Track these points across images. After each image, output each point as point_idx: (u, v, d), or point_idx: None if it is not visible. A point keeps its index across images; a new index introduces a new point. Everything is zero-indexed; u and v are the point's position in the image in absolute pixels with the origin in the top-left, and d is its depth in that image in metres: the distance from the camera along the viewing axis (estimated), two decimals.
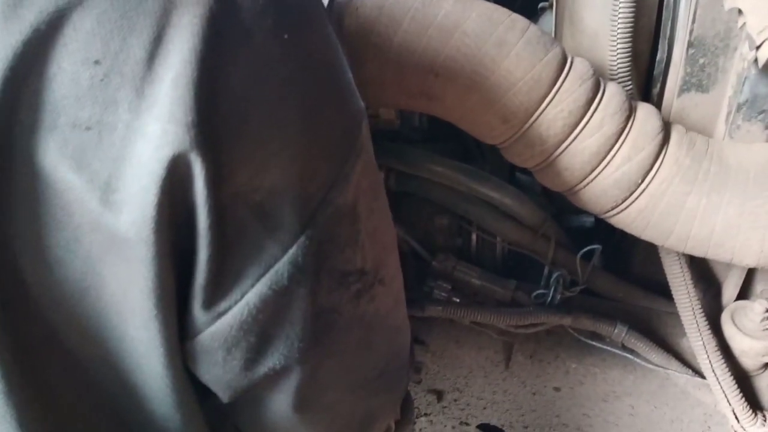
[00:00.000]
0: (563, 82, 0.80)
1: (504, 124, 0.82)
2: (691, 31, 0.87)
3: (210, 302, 0.47)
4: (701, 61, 0.90)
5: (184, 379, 0.51)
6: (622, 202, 0.84)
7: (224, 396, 0.54)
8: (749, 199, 0.82)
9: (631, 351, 1.07)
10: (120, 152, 0.40)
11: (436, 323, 1.09)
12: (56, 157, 0.40)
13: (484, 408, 1.21)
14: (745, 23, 0.81)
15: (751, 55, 0.82)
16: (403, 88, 0.82)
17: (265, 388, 0.54)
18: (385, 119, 1.17)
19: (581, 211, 0.96)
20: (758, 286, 1.11)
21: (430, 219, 1.25)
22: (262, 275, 0.46)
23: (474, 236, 1.25)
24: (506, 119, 0.81)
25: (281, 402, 0.56)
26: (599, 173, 0.83)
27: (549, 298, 1.10)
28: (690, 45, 0.88)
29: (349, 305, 0.55)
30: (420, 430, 1.29)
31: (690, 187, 0.82)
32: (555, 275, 1.11)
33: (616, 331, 1.06)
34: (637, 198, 0.83)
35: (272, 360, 0.51)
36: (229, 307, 0.47)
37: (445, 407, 1.23)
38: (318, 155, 0.47)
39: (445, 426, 1.26)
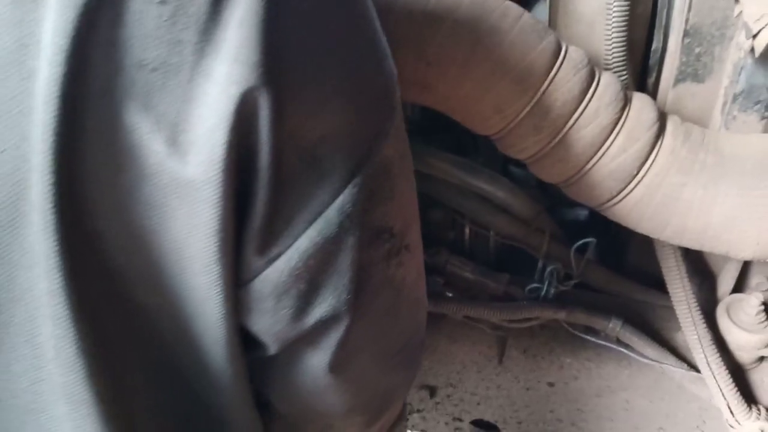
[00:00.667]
0: (557, 71, 0.79)
1: (497, 114, 0.80)
2: (687, 20, 0.85)
3: (263, 247, 0.47)
4: (697, 50, 0.89)
5: (237, 332, 0.52)
6: (618, 194, 0.83)
7: (272, 347, 0.55)
8: (747, 191, 0.80)
9: (626, 345, 1.06)
10: (186, 94, 0.41)
11: (428, 318, 1.07)
12: (123, 98, 0.41)
13: (478, 403, 1.19)
14: (741, 11, 0.80)
15: (748, 44, 0.81)
16: None
17: (309, 343, 0.55)
18: None
19: (576, 204, 0.94)
20: (754, 279, 1.10)
21: (423, 212, 1.23)
22: (313, 221, 0.48)
23: (467, 230, 1.24)
24: (499, 109, 0.80)
25: (319, 360, 0.56)
26: (594, 164, 0.81)
27: (543, 292, 1.08)
28: (686, 34, 0.87)
29: (381, 265, 0.56)
30: (413, 426, 1.28)
31: (686, 179, 0.81)
32: (549, 269, 1.09)
33: (610, 325, 1.05)
34: (632, 189, 0.82)
35: (320, 310, 0.52)
36: (281, 253, 0.48)
37: (438, 403, 1.22)
38: (364, 106, 0.49)
39: (438, 422, 1.24)
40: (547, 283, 1.08)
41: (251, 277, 0.49)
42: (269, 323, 0.52)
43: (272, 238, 0.47)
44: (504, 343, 1.09)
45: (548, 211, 1.41)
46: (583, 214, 1.30)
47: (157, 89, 0.41)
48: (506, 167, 1.29)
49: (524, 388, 1.13)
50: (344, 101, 0.47)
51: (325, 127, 0.46)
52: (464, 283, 1.13)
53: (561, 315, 1.06)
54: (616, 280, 1.13)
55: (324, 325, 0.53)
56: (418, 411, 1.24)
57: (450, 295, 1.09)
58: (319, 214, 0.48)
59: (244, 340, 0.54)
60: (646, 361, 1.03)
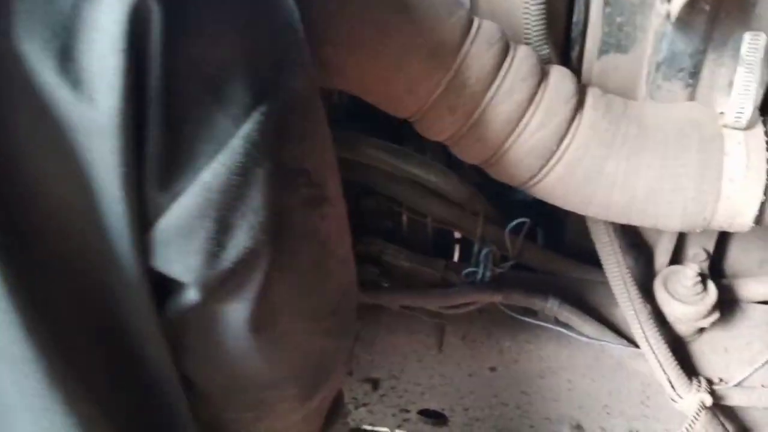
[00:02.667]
0: (470, 46, 0.75)
1: (410, 96, 0.76)
2: None
3: (165, 181, 0.46)
4: (619, 20, 0.86)
5: (148, 277, 0.51)
6: (539, 172, 0.80)
7: (193, 292, 0.52)
8: (669, 161, 0.78)
9: (565, 325, 1.04)
10: (70, 19, 0.40)
11: (364, 310, 1.04)
12: (9, 25, 0.39)
13: (422, 393, 1.17)
14: None
15: (664, 9, 0.78)
16: None
17: (228, 293, 0.53)
18: None
19: None
20: (690, 250, 1.09)
21: (356, 201, 1.19)
22: (216, 152, 0.46)
23: (404, 217, 1.20)
24: (412, 90, 0.76)
25: (239, 315, 0.55)
26: (513, 142, 0.78)
27: (479, 276, 1.05)
28: (606, 3, 0.84)
29: (303, 213, 0.55)
30: (360, 420, 1.25)
31: (608, 152, 0.78)
32: (484, 252, 1.07)
33: (548, 304, 1.03)
34: (554, 166, 0.79)
35: (235, 252, 0.50)
36: (184, 188, 0.46)
37: (383, 395, 1.19)
38: (263, 36, 0.49)
39: (386, 414, 1.22)
40: (482, 266, 1.06)
41: (156, 215, 0.47)
42: (183, 267, 0.50)
43: (173, 171, 0.46)
44: (442, 330, 1.06)
45: (495, 192, 1.38)
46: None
47: (39, 14, 0.39)
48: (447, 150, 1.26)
49: (467, 375, 1.10)
50: (243, 26, 0.47)
51: (224, 54, 0.46)
52: (400, 272, 1.10)
53: (498, 298, 1.03)
54: (553, 258, 1.11)
55: (241, 271, 0.51)
56: (364, 405, 1.21)
57: (386, 284, 1.06)
58: (223, 144, 0.46)
59: (168, 287, 0.53)
60: (585, 339, 1.02)
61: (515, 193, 1.31)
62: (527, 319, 1.04)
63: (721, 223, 0.84)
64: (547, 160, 0.79)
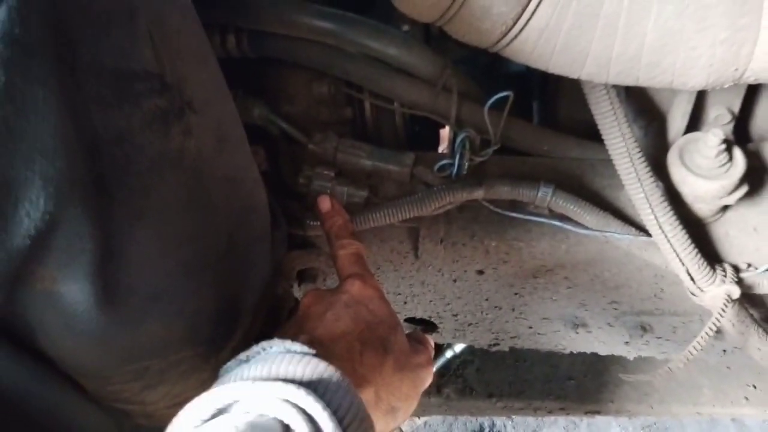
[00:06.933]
0: None
1: None
2: None
3: None
4: None
5: None
6: (514, 24, 0.59)
7: None
8: None
9: (561, 216, 0.86)
10: None
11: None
12: None
13: (405, 303, 1.03)
14: None
15: None
16: None
17: (49, 272, 0.39)
18: None
19: None
20: (712, 112, 0.89)
21: (307, 89, 0.99)
22: None
23: (367, 105, 1.00)
24: None
25: (77, 299, 0.41)
26: None
27: (455, 169, 0.87)
28: None
29: (151, 134, 0.42)
30: None
31: None
32: (460, 138, 0.88)
33: (539, 194, 0.85)
34: (532, 13, 0.59)
35: (27, 223, 0.36)
36: None
37: None
38: None
39: None
40: (458, 156, 0.87)
41: None
42: None
43: None
44: (416, 235, 0.89)
45: (490, 64, 1.17)
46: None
47: None
48: None
49: (451, 280, 0.95)
50: None
51: None
52: (362, 173, 0.91)
53: (479, 193, 0.85)
54: (544, 137, 0.92)
55: (52, 244, 0.37)
56: None
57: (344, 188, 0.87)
58: None
59: None
60: (585, 231, 0.85)
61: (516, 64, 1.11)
62: (515, 215, 0.87)
63: (758, 73, 0.64)
64: (524, 5, 0.58)
